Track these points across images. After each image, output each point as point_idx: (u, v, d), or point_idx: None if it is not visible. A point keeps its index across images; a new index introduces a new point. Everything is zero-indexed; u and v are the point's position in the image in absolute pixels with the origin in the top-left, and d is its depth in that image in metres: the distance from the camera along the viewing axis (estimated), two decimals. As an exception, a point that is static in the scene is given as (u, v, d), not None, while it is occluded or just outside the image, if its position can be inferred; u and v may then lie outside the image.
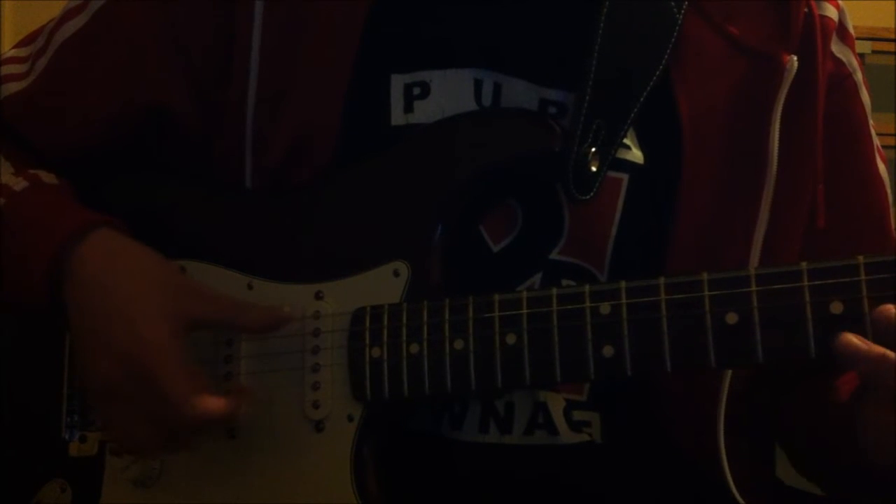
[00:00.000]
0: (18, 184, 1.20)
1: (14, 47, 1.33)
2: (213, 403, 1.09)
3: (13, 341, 1.25)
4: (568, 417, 1.17)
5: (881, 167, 1.29)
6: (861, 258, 1.00)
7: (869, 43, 2.89)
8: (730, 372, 1.17)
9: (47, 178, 1.22)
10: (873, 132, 1.29)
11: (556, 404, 1.17)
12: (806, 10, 1.22)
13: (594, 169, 1.15)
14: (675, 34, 1.19)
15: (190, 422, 1.08)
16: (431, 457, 1.16)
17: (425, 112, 1.18)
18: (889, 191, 1.29)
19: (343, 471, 1.10)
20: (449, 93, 1.18)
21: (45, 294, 1.14)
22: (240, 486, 1.14)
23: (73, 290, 1.13)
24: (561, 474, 1.17)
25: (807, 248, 1.21)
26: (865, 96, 1.28)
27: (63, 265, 1.13)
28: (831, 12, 1.24)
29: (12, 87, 1.27)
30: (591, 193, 1.15)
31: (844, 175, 1.25)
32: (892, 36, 3.00)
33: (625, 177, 1.18)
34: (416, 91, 1.19)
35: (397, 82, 1.19)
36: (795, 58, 1.19)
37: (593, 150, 1.15)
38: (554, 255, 1.17)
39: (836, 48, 1.26)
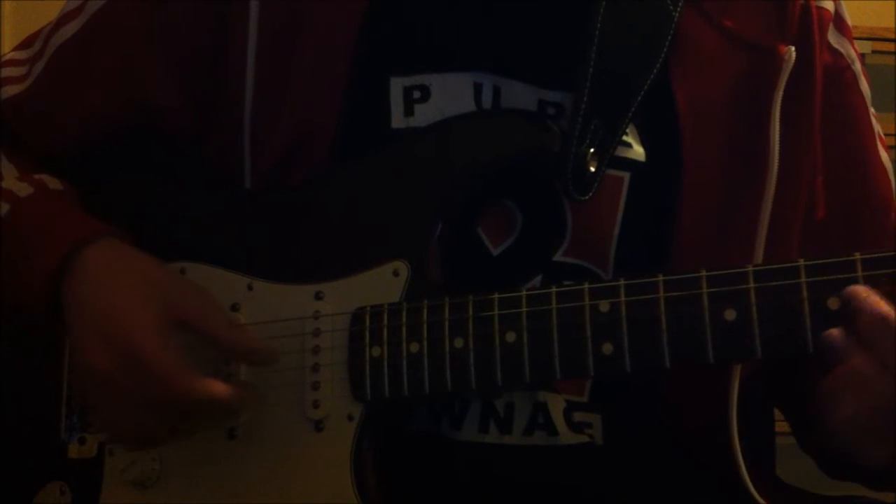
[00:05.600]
0: (24, 190, 1.21)
1: (13, 50, 1.34)
2: (209, 384, 1.09)
3: (13, 343, 1.25)
4: (568, 418, 1.17)
5: (884, 155, 1.28)
6: (858, 254, 1.00)
7: (869, 43, 2.88)
8: (738, 372, 1.16)
9: (52, 183, 1.23)
10: (874, 121, 1.29)
11: (556, 405, 1.17)
12: (802, 1, 1.23)
13: (593, 169, 1.15)
14: (672, 31, 1.19)
15: (183, 401, 1.09)
16: (431, 456, 1.16)
17: (426, 115, 1.18)
18: (892, 179, 1.28)
19: (343, 470, 1.10)
20: (449, 96, 1.18)
21: (44, 294, 1.14)
22: (239, 486, 1.14)
23: (74, 288, 1.14)
24: (560, 475, 1.17)
25: (806, 240, 1.20)
26: (865, 86, 1.28)
27: (66, 266, 1.14)
28: (827, 3, 1.25)
29: (11, 90, 1.28)
30: (590, 194, 1.15)
31: (844, 166, 1.25)
32: (893, 36, 2.99)
33: (626, 175, 1.18)
34: (416, 94, 1.19)
35: (396, 85, 1.19)
36: (793, 49, 1.19)
37: (591, 150, 1.15)
38: (558, 257, 1.17)
39: (834, 39, 1.26)
